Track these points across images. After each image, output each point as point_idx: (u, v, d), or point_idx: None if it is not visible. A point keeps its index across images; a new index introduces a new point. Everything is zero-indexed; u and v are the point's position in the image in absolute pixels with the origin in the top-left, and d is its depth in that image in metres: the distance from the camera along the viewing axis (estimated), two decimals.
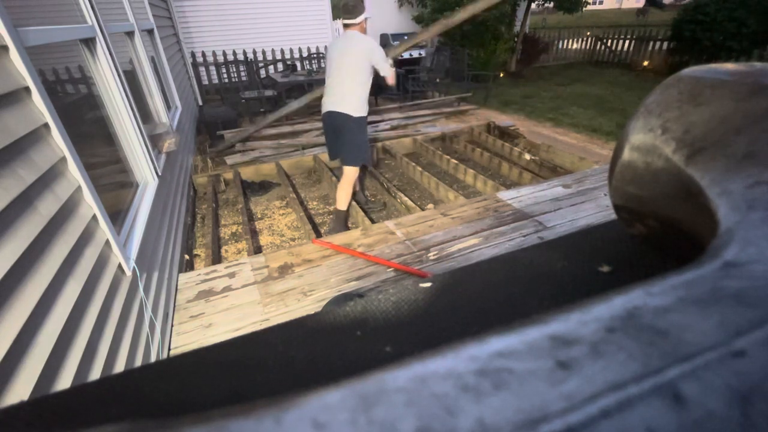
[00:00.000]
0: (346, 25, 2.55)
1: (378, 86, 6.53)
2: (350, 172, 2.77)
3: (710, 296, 0.12)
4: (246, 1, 7.31)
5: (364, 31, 2.57)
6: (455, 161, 3.84)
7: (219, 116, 4.90)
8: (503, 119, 5.47)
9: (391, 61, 2.69)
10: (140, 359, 1.50)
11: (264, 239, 3.00)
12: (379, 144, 4.41)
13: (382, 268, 2.04)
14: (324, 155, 3.66)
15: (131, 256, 1.61)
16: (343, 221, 2.89)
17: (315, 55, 7.45)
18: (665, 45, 8.62)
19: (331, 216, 3.17)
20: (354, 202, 3.07)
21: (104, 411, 0.21)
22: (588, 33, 10.29)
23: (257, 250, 2.79)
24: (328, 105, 2.64)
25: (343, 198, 2.83)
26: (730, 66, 0.23)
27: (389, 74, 2.61)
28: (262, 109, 6.08)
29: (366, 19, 2.55)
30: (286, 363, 0.24)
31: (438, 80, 6.58)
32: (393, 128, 5.00)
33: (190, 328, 1.74)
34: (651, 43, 8.88)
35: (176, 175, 2.98)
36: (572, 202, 2.54)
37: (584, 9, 8.64)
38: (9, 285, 0.91)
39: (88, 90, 1.98)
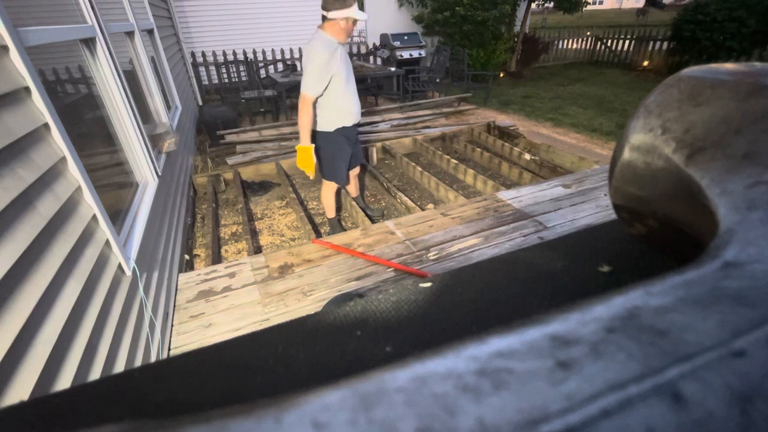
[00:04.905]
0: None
1: (378, 86, 6.55)
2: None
3: (710, 296, 0.12)
4: (246, 1, 7.31)
5: (333, 32, 2.19)
6: (455, 161, 3.84)
7: (219, 116, 4.90)
8: (503, 119, 5.47)
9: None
10: (140, 359, 1.50)
11: (264, 239, 3.00)
12: (379, 144, 4.41)
13: (382, 268, 2.04)
14: None
15: (131, 256, 1.61)
16: (336, 225, 2.91)
17: None
18: (665, 45, 8.62)
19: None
20: (353, 203, 3.07)
21: (104, 411, 0.21)
22: (588, 33, 10.28)
23: (257, 250, 2.79)
24: (356, 117, 2.51)
25: (326, 206, 2.87)
26: (730, 66, 0.23)
27: None
28: (262, 109, 6.08)
29: (337, 20, 2.12)
30: (286, 363, 0.24)
31: (438, 80, 6.58)
32: (393, 128, 5.00)
33: (190, 328, 1.73)
34: (651, 43, 8.87)
35: (176, 175, 2.98)
36: (572, 202, 2.53)
37: (584, 9, 8.64)
38: (9, 285, 0.91)
39: (88, 90, 1.98)
